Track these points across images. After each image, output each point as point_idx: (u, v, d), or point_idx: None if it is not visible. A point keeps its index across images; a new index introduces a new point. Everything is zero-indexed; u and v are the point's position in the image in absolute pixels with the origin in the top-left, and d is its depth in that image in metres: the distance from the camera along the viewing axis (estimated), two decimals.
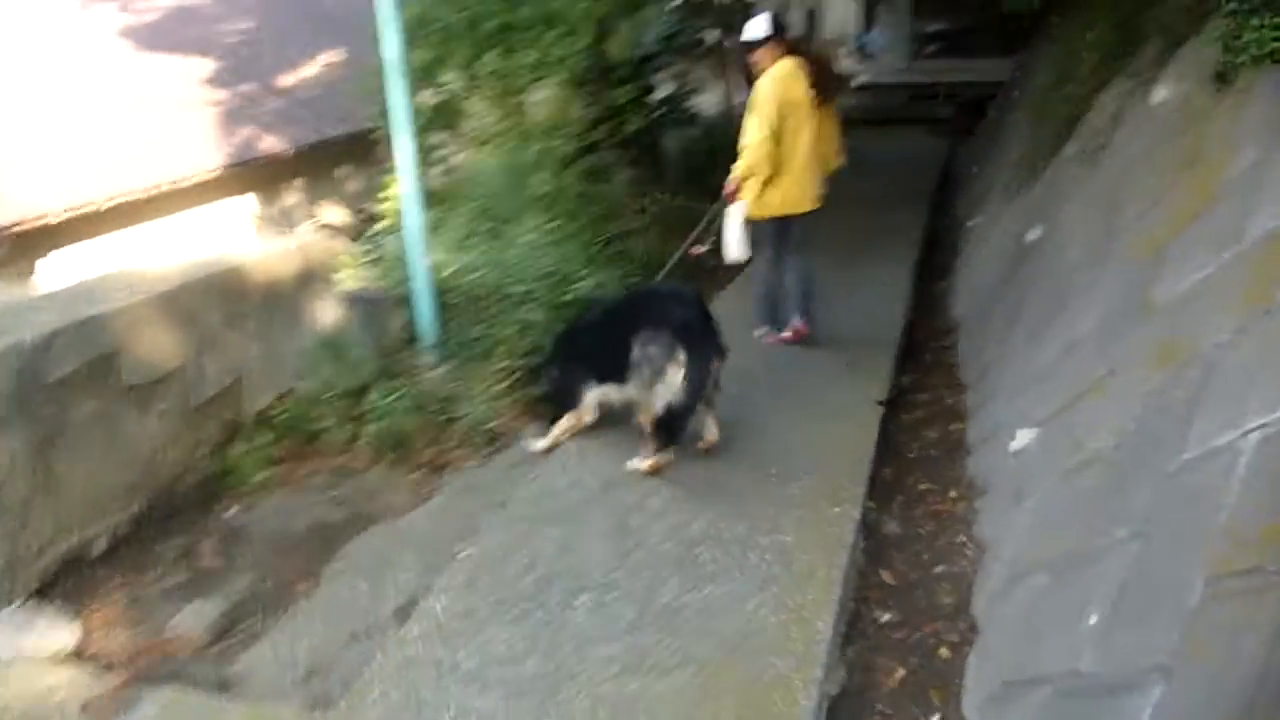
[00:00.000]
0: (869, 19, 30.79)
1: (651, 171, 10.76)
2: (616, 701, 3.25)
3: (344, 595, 4.14)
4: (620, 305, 5.55)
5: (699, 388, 4.75)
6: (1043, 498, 3.82)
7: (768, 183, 6.01)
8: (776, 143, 5.89)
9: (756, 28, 6.16)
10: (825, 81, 6.36)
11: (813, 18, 36.72)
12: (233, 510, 4.74)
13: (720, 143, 15.26)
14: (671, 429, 4.77)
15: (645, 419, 4.85)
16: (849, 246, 10.20)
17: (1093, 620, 2.82)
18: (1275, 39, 3.37)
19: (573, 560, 4.07)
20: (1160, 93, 5.16)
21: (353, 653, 3.77)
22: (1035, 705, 2.87)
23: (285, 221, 10.21)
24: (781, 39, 6.13)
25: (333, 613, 4.02)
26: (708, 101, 15.58)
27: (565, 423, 5.25)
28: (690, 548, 4.13)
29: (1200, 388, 2.97)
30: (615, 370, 4.91)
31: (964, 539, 4.42)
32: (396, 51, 5.48)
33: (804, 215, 6.34)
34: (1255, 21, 3.50)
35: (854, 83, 24.13)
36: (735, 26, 15.45)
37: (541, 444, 5.25)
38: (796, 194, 6.20)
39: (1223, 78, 4.14)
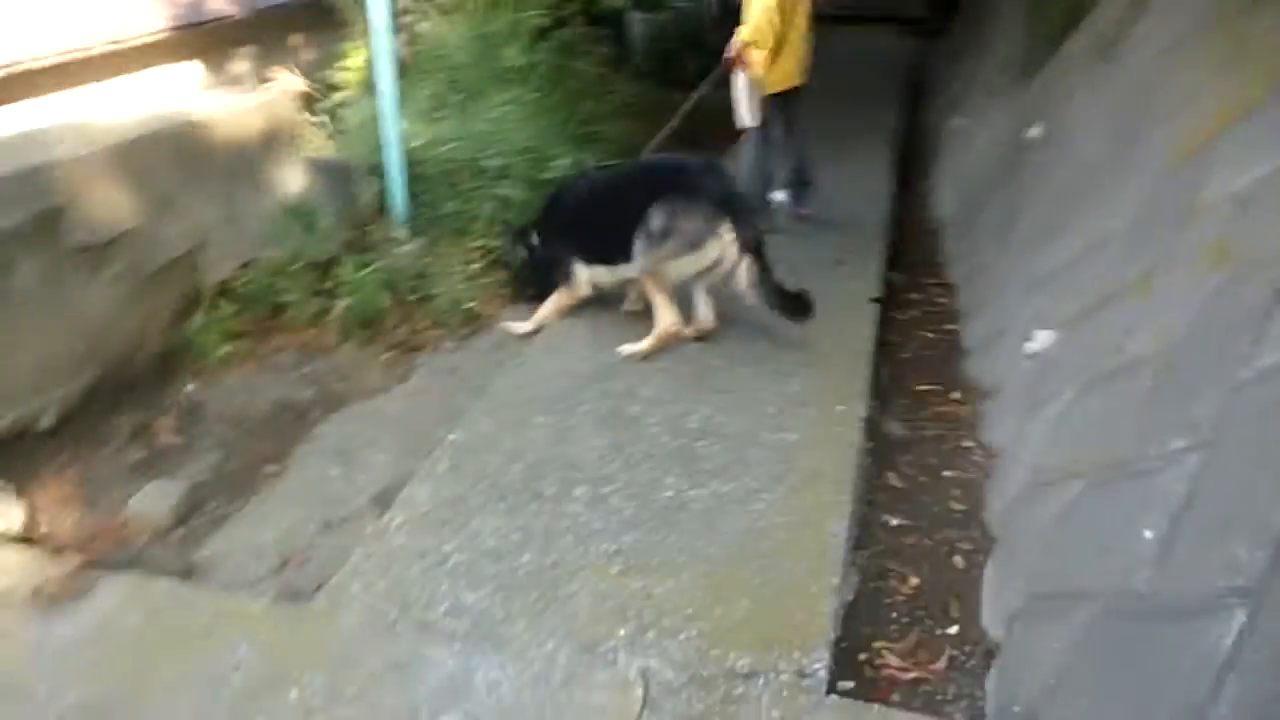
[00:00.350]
0: None
1: (619, 55, 10.27)
2: (622, 600, 3.02)
3: (316, 479, 3.85)
4: (627, 176, 5.19)
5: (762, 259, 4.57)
6: (1070, 403, 3.61)
7: (771, 58, 5.94)
8: (775, 23, 5.80)
9: None
10: None
11: None
12: (192, 386, 4.39)
13: (690, 30, 14.84)
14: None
15: (655, 288, 4.55)
16: (828, 146, 9.86)
17: (1148, 535, 2.62)
18: None
19: (565, 450, 3.80)
20: None
21: (328, 542, 3.49)
22: (1080, 624, 2.67)
23: (235, 90, 9.58)
24: None
25: (305, 497, 3.73)
26: None
27: (554, 301, 4.96)
28: (690, 441, 3.88)
29: (1276, 292, 2.73)
30: (619, 246, 4.61)
31: (971, 443, 4.23)
32: None
33: (799, 91, 6.39)
34: None
35: None
36: None
37: (526, 326, 4.95)
38: (794, 68, 6.23)
39: None
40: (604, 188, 5.02)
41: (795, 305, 4.64)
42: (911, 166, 10.03)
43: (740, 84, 6.05)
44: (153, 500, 3.63)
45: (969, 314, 5.65)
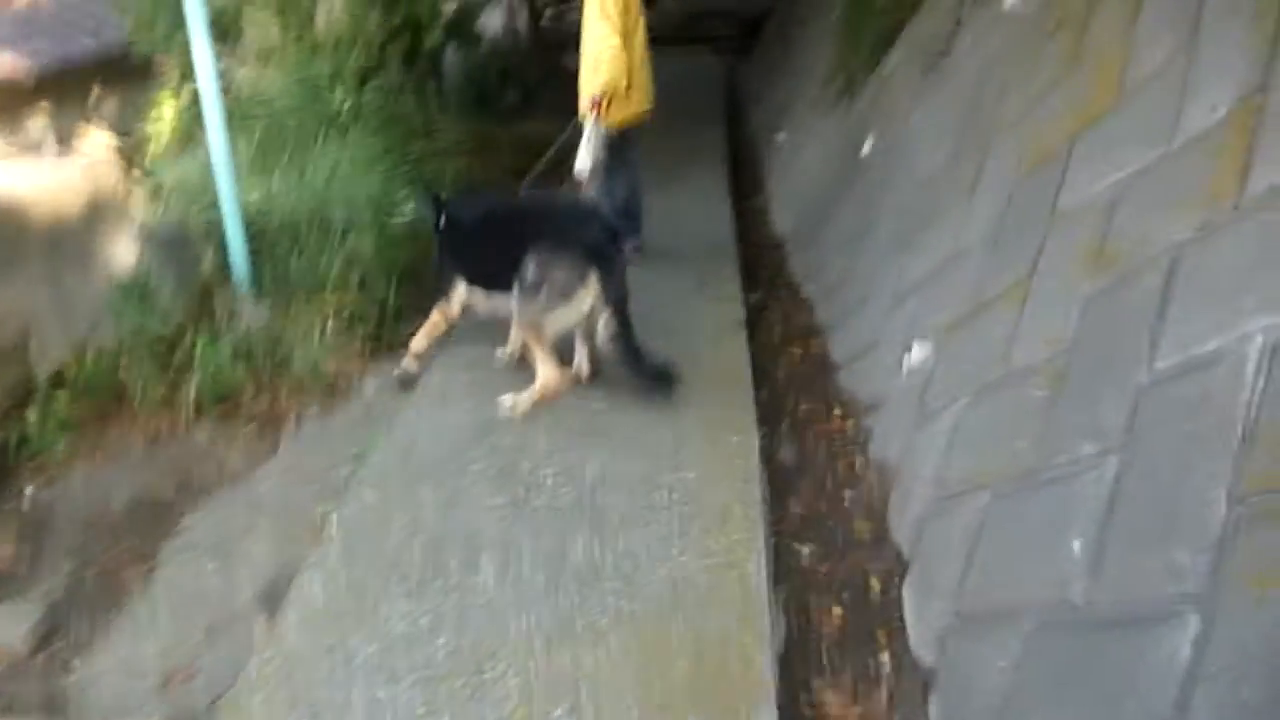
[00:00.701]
0: None
1: (441, 92, 10.09)
2: (553, 677, 2.86)
3: (190, 580, 3.54)
4: (508, 210, 5.05)
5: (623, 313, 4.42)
6: (961, 415, 3.65)
7: (623, 94, 5.55)
8: (623, 56, 5.39)
9: None
10: None
11: None
12: (32, 488, 3.98)
13: (507, 64, 14.73)
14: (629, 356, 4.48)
15: (534, 341, 4.42)
16: (659, 166, 9.93)
17: (1076, 545, 2.65)
18: None
19: (462, 517, 3.61)
20: None
21: (216, 651, 3.21)
22: (1016, 641, 2.68)
23: (35, 152, 8.91)
24: None
25: (180, 603, 3.42)
26: (490, 21, 14.86)
27: (428, 325, 4.79)
28: (591, 492, 3.75)
29: (1163, 291, 2.82)
30: (497, 276, 4.48)
31: (863, 461, 4.24)
32: None
33: (636, 126, 6.06)
34: None
35: None
36: None
37: (412, 365, 4.80)
38: (640, 97, 5.90)
39: None
40: (490, 215, 4.83)
41: (657, 377, 4.54)
42: (741, 183, 10.18)
43: (589, 129, 5.58)
44: (5, 626, 3.25)
45: (832, 329, 5.71)
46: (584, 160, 5.57)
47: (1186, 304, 2.71)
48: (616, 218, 5.99)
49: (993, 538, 3.08)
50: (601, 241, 4.44)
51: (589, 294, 4.30)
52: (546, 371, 4.41)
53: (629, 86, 5.54)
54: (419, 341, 4.87)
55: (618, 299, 4.38)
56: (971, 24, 5.66)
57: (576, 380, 4.65)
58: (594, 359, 4.71)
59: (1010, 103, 4.54)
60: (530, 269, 4.28)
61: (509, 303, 4.46)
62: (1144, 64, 3.51)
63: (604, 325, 4.38)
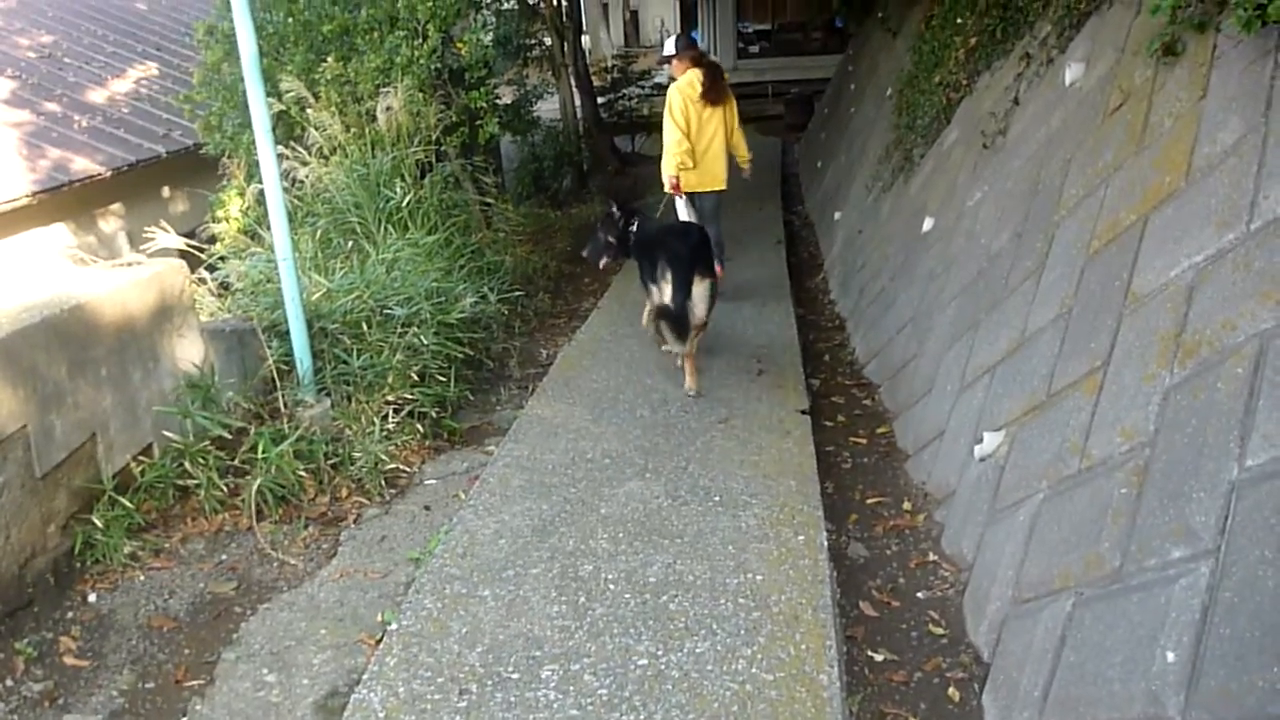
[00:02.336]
0: (688, 19, 31.04)
1: (498, 182, 10.23)
2: None
3: (249, 692, 3.45)
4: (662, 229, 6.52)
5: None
6: (1037, 510, 3.51)
7: (691, 167, 7.28)
8: (689, 138, 7.17)
9: (668, 46, 7.55)
10: (719, 86, 7.35)
11: (636, 18, 36.86)
12: (96, 594, 3.96)
13: (560, 148, 14.98)
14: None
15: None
16: (725, 246, 9.96)
17: (1170, 657, 2.49)
18: None
19: (522, 625, 3.51)
20: (1074, 71, 4.98)
21: None
22: None
23: (106, 250, 9.17)
24: (688, 54, 7.39)
25: (239, 716, 3.34)
26: (548, 108, 15.14)
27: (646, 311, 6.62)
28: (654, 597, 3.63)
29: (1251, 382, 2.68)
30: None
31: (935, 557, 4.10)
32: (253, 53, 4.76)
33: (708, 193, 7.58)
34: None
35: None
36: (567, 31, 15.16)
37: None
38: (706, 178, 7.44)
39: (1170, 50, 3.94)
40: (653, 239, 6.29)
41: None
42: (799, 262, 10.16)
43: (676, 200, 7.41)
44: None
45: (898, 415, 5.59)
46: (684, 213, 7.39)
47: (1276, 397, 2.57)
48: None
49: (1078, 645, 2.92)
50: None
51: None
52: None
53: (694, 166, 7.28)
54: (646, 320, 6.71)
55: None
56: (1030, 101, 5.60)
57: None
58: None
59: (1074, 180, 4.45)
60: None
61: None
62: (1215, 142, 3.40)
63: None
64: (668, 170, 7.23)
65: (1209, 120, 3.50)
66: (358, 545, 4.37)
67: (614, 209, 6.57)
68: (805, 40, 23.71)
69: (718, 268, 6.97)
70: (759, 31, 24.26)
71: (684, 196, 7.36)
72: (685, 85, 7.20)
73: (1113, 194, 4.01)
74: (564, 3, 15.45)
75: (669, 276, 5.73)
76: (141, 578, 4.09)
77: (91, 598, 3.94)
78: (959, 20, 7.57)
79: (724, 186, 7.56)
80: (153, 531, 4.32)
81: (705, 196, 7.56)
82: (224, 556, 4.27)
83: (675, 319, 5.65)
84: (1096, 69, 4.76)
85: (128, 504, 4.18)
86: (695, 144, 7.21)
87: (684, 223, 7.12)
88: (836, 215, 10.40)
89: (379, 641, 3.49)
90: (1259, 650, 2.23)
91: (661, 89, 21.07)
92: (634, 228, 6.48)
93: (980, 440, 4.14)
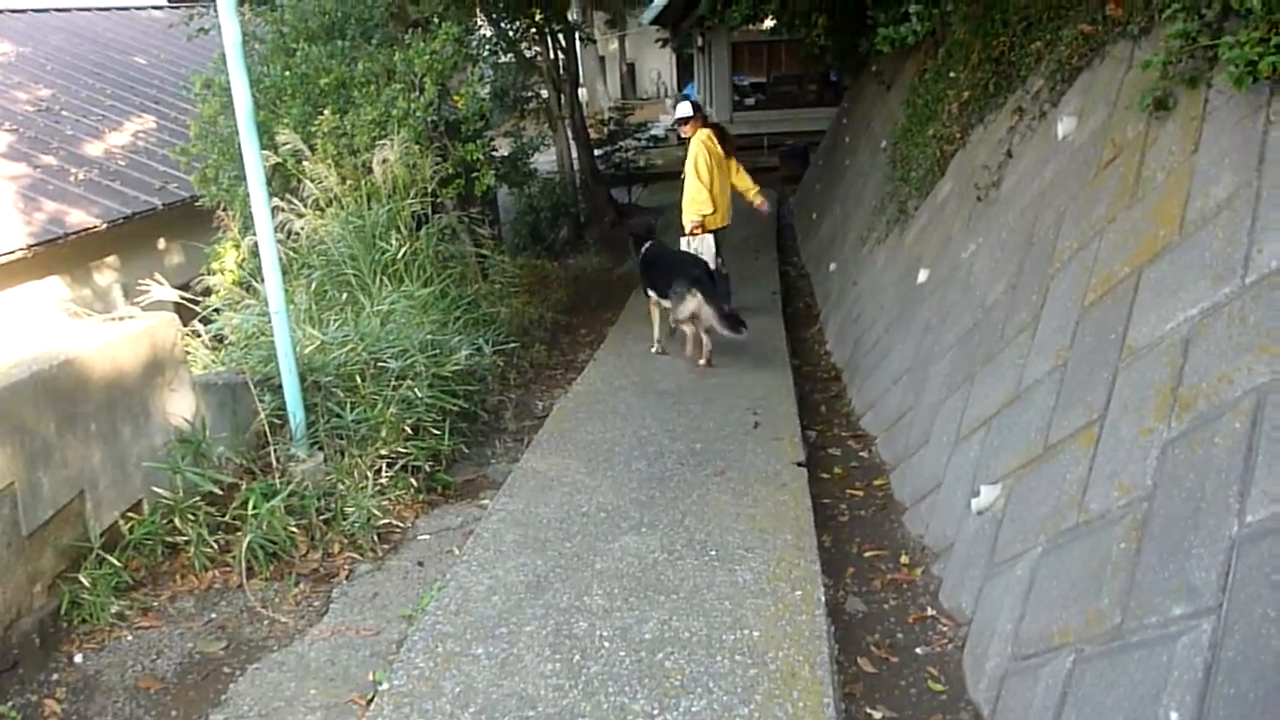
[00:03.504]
0: (684, 72, 31.40)
1: (491, 232, 10.27)
2: None
3: None
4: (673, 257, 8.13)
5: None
6: (1035, 564, 3.47)
7: (711, 211, 8.30)
8: (708, 186, 8.17)
9: (683, 110, 8.59)
10: (728, 142, 8.62)
11: (633, 71, 37.26)
12: (82, 654, 3.90)
13: (559, 201, 15.07)
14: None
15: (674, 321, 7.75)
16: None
17: (1174, 718, 2.44)
18: (1261, 53, 3.15)
19: (516, 685, 3.44)
20: (1066, 124, 5.01)
21: None
22: None
23: (101, 303, 9.17)
24: (700, 116, 8.55)
25: None
26: (545, 160, 15.24)
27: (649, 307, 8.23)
28: (650, 654, 3.57)
29: (1249, 437, 2.66)
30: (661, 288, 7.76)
31: (934, 612, 4.05)
32: (248, 106, 4.78)
33: (726, 227, 8.71)
34: (1231, 39, 3.28)
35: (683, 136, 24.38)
36: (564, 84, 15.32)
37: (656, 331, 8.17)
38: (720, 218, 8.53)
39: (1162, 104, 3.96)
40: (661, 257, 8.08)
41: (736, 321, 7.22)
42: (794, 312, 10.17)
43: (700, 242, 8.30)
44: None
45: (895, 467, 5.56)
46: (709, 255, 8.20)
47: (1274, 452, 2.54)
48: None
49: (1079, 704, 2.87)
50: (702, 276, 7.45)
51: (695, 302, 7.27)
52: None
53: (714, 211, 8.31)
54: (655, 329, 8.20)
55: (714, 302, 7.27)
56: (1023, 154, 5.62)
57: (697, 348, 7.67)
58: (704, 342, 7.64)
59: (1068, 233, 4.46)
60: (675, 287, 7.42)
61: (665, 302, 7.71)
62: (1208, 196, 3.41)
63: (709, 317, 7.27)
64: (692, 217, 8.23)
65: (1202, 174, 3.51)
66: (349, 602, 4.31)
67: (631, 237, 8.60)
68: (800, 93, 23.94)
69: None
70: (754, 84, 24.49)
71: (701, 238, 8.27)
72: (706, 140, 8.26)
73: (1107, 247, 4.01)
74: (561, 56, 15.61)
75: (699, 288, 7.28)
76: (129, 637, 4.03)
77: (78, 658, 3.88)
78: (952, 74, 7.63)
79: (728, 223, 8.76)
80: (141, 589, 4.27)
81: (720, 231, 8.55)
82: (213, 615, 4.21)
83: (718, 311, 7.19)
84: (1089, 123, 4.78)
85: (115, 562, 4.13)
86: (717, 190, 8.30)
87: (690, 254, 8.28)
88: (832, 266, 10.43)
89: (370, 702, 3.43)
90: (1263, 710, 2.19)
91: (658, 141, 21.36)
92: (646, 249, 8.12)
93: (977, 493, 4.10)
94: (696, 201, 8.19)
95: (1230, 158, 3.37)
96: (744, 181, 8.73)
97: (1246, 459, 2.64)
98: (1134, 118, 4.23)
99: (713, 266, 8.02)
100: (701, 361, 7.57)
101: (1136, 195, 3.95)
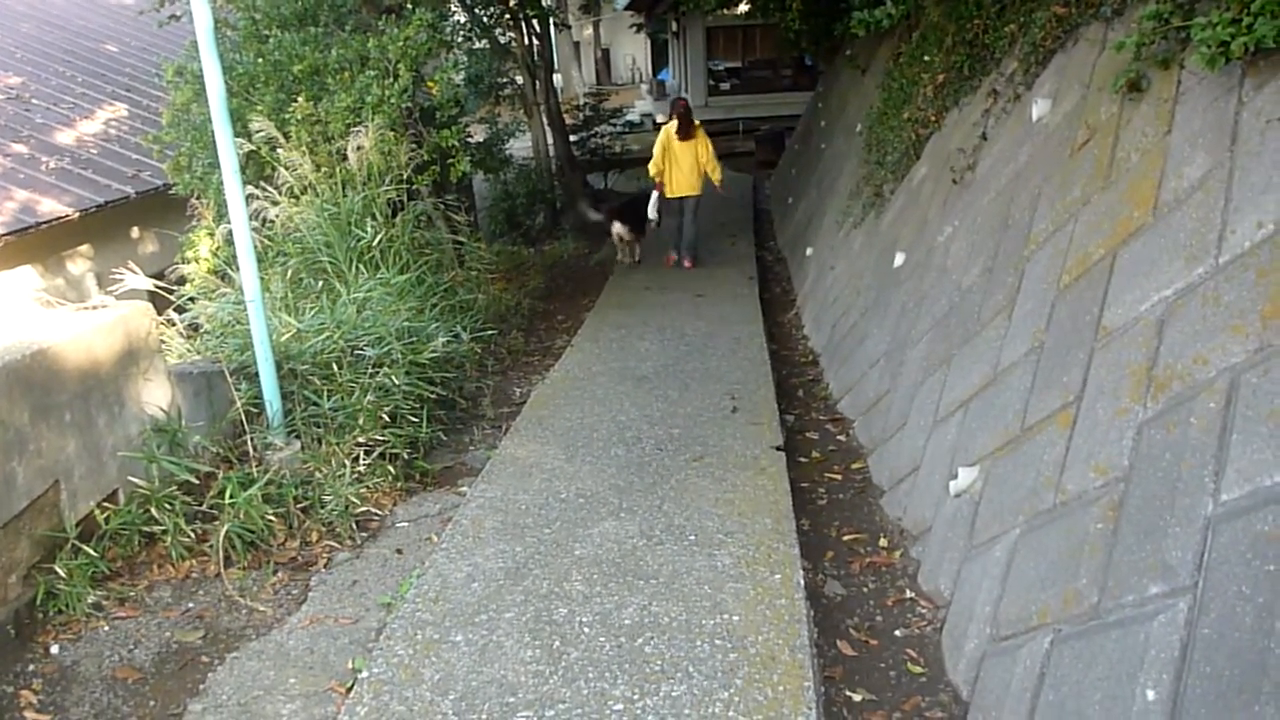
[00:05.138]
0: (659, 57, 31.30)
1: (467, 218, 10.23)
2: None
3: None
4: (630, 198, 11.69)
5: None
6: (1013, 546, 3.49)
7: (665, 181, 10.79)
8: (664, 161, 10.71)
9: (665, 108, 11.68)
10: (684, 127, 10.61)
11: (608, 57, 37.13)
12: (59, 645, 3.87)
13: (533, 186, 15.01)
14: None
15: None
16: (691, 285, 10.00)
17: (1151, 696, 2.47)
18: (1233, 34, 3.16)
19: (496, 671, 3.44)
20: (1040, 107, 5.03)
21: None
22: None
23: (75, 292, 9.07)
24: (675, 111, 10.77)
25: None
26: (520, 146, 15.18)
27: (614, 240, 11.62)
28: (630, 640, 3.58)
29: (1224, 416, 2.68)
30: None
31: (912, 594, 4.08)
32: (221, 93, 4.74)
33: (686, 197, 10.79)
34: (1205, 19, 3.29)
35: (658, 121, 24.34)
36: (539, 70, 15.24)
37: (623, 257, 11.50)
38: (677, 188, 10.78)
39: (1135, 86, 3.98)
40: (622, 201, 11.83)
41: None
42: (771, 297, 10.19)
43: (653, 195, 10.96)
44: None
45: (873, 451, 5.58)
46: (652, 209, 11.11)
47: (1249, 431, 2.57)
48: (675, 243, 11.34)
49: (1057, 684, 2.89)
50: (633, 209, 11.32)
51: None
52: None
53: (665, 179, 10.82)
54: (623, 255, 11.65)
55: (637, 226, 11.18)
56: (998, 137, 5.65)
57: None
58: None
59: (1043, 215, 4.48)
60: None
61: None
62: (1181, 177, 3.43)
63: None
64: (652, 179, 10.98)
65: (1175, 155, 3.53)
66: (328, 590, 4.29)
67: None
68: (775, 77, 23.90)
69: (687, 261, 11.12)
70: (730, 69, 24.42)
71: (660, 196, 10.87)
72: (668, 127, 10.68)
73: (1081, 229, 4.03)
74: (535, 42, 15.52)
75: (619, 216, 11.34)
76: (106, 628, 4.00)
77: (54, 649, 3.84)
78: (926, 57, 7.65)
79: (696, 193, 10.75)
80: (118, 580, 4.23)
81: (684, 200, 10.79)
82: (191, 604, 4.18)
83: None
84: (1063, 105, 4.80)
85: (92, 552, 4.10)
86: (670, 166, 10.70)
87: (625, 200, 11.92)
88: (809, 250, 10.44)
89: (350, 690, 3.42)
90: (1239, 689, 2.21)
91: (633, 126, 21.34)
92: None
93: (955, 475, 4.12)
94: (651, 172, 10.92)
95: (1203, 138, 3.40)
96: (713, 166, 10.75)
97: (1221, 438, 2.66)
98: (1107, 99, 4.25)
99: (651, 214, 11.09)
100: (633, 260, 11.54)
101: (1110, 177, 3.97)
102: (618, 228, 11.37)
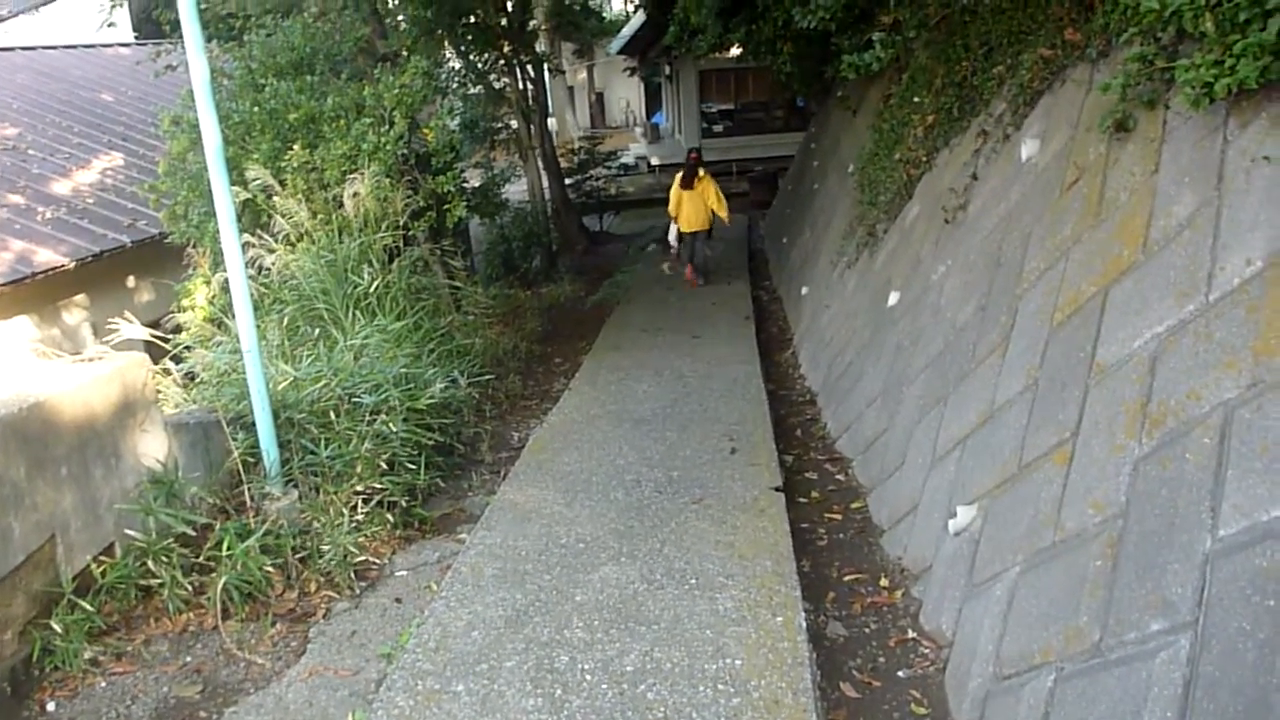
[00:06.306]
0: (653, 101, 31.58)
1: (464, 263, 10.28)
2: None
3: None
4: None
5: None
6: (1014, 584, 3.48)
7: (678, 219, 12.32)
8: (676, 208, 12.23)
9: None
10: (688, 178, 12.20)
11: (602, 100, 37.43)
12: (55, 703, 3.84)
13: (529, 229, 15.08)
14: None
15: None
16: (688, 326, 10.02)
17: None
18: (1216, 75, 3.20)
19: None
20: (1029, 147, 5.08)
21: None
22: None
23: (71, 342, 9.08)
24: (686, 165, 12.40)
25: None
26: (516, 190, 15.26)
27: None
28: (632, 686, 3.56)
29: (1219, 452, 2.69)
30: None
31: (915, 634, 4.06)
32: (217, 141, 4.78)
33: (696, 232, 12.43)
34: (1188, 61, 3.34)
35: (652, 164, 24.53)
36: (533, 114, 15.37)
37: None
38: (686, 225, 12.34)
39: (1122, 126, 4.02)
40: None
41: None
42: (768, 336, 10.21)
43: (672, 227, 12.51)
44: None
45: (872, 490, 5.58)
46: (672, 235, 12.58)
47: (1244, 466, 2.58)
48: (688, 261, 12.81)
49: None
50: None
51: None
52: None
53: (679, 218, 12.30)
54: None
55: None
56: (988, 176, 5.69)
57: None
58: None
59: (1034, 254, 4.51)
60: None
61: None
62: (1170, 215, 3.46)
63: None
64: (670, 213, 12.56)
65: (1163, 194, 3.56)
66: (327, 642, 4.27)
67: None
68: (768, 119, 24.11)
69: (699, 279, 12.58)
70: (722, 111, 24.64)
71: (677, 229, 12.48)
72: (678, 176, 12.43)
73: (1073, 267, 4.06)
74: (530, 87, 15.68)
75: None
76: (103, 684, 3.97)
77: (50, 706, 3.82)
78: (916, 99, 7.71)
79: (705, 227, 12.40)
80: (114, 634, 4.21)
81: (695, 234, 12.47)
82: (188, 658, 4.16)
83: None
84: (1051, 145, 4.85)
85: (88, 606, 4.08)
86: (680, 207, 12.21)
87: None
88: (804, 290, 10.48)
89: None
90: None
91: (627, 169, 21.51)
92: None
93: (954, 514, 4.12)
94: (670, 210, 12.44)
95: (1190, 177, 3.43)
96: (711, 199, 12.16)
97: (1217, 474, 2.67)
98: (1095, 139, 4.29)
99: (671, 240, 12.64)
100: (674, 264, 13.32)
101: (1100, 215, 4.01)
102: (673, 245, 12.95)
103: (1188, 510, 2.73)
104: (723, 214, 12.28)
